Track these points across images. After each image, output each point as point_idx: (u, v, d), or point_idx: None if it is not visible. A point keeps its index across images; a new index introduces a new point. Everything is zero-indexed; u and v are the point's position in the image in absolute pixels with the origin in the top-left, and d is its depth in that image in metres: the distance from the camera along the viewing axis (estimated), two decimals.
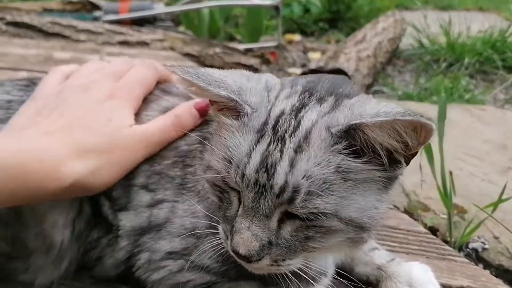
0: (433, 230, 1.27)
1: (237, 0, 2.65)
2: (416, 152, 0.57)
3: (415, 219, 1.29)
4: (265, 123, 0.58)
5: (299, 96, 0.61)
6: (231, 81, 0.61)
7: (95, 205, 0.78)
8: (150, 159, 0.77)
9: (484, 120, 2.15)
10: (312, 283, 0.71)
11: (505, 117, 2.26)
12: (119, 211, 0.78)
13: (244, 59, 2.52)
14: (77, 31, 2.53)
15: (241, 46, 2.75)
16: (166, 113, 0.78)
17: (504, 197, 1.17)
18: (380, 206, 0.59)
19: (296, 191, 0.54)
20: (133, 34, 2.51)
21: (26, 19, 2.61)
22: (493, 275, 1.17)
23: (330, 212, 0.55)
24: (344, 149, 0.55)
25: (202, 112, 0.77)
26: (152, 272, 0.75)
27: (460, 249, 1.21)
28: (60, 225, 0.74)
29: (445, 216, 1.26)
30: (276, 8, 2.52)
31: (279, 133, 0.56)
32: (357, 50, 2.68)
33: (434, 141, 1.17)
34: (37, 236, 0.74)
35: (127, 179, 0.77)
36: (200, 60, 2.43)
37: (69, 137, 0.69)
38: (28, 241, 0.74)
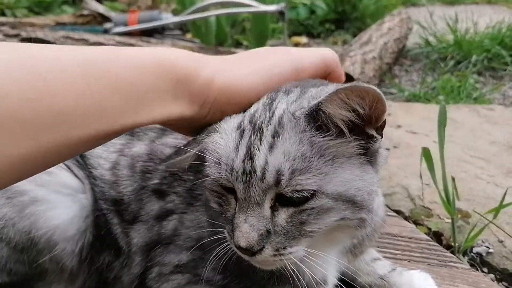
0: (438, 235, 1.29)
1: (242, 7, 2.68)
2: (383, 123, 0.61)
3: (420, 224, 1.32)
4: (242, 121, 0.63)
5: (268, 95, 0.65)
6: None
7: (100, 230, 0.82)
8: None
9: (492, 120, 2.16)
10: None
11: None
12: (131, 224, 0.82)
13: None
14: (89, 44, 2.60)
15: None
16: None
17: (509, 199, 1.20)
18: (366, 177, 0.61)
19: (278, 171, 0.57)
20: (143, 45, 2.57)
21: (40, 34, 2.69)
22: (497, 279, 1.20)
23: (315, 188, 0.58)
24: (314, 129, 0.59)
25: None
26: (162, 284, 0.80)
27: (464, 253, 1.24)
28: (69, 252, 0.79)
29: (449, 221, 1.28)
30: (281, 13, 2.55)
31: (257, 125, 0.61)
32: (362, 53, 2.69)
33: (434, 146, 1.21)
34: (51, 260, 0.79)
35: (143, 179, 0.82)
36: None
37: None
38: (44, 265, 0.79)
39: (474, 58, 3.02)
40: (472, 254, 1.23)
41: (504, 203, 1.17)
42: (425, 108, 2.33)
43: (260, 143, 0.59)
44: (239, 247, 0.60)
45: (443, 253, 1.00)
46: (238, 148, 0.60)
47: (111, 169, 0.85)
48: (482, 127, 2.04)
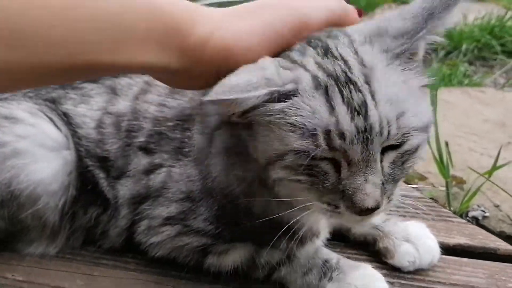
0: None
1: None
2: None
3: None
4: (317, 78, 0.55)
5: (312, 46, 0.59)
6: (247, 79, 0.54)
7: (86, 185, 0.81)
8: (154, 119, 0.80)
9: (484, 101, 2.16)
10: (304, 243, 0.73)
11: (505, 98, 2.26)
12: (117, 179, 0.81)
13: None
14: None
15: None
16: None
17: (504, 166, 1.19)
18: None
19: (388, 120, 0.54)
20: None
21: None
22: None
23: (418, 125, 0.56)
24: (399, 63, 0.57)
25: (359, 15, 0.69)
26: (151, 236, 0.78)
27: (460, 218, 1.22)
28: (52, 207, 0.77)
29: (443, 189, 1.27)
30: None
31: (340, 77, 0.55)
32: None
33: None
34: (33, 216, 0.77)
35: (128, 137, 0.80)
36: None
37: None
38: (26, 220, 0.78)
39: (464, 47, 3.03)
40: (468, 218, 1.21)
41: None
42: None
43: (362, 96, 0.54)
44: (361, 211, 0.56)
45: (438, 209, 0.98)
46: (335, 109, 0.53)
47: (96, 128, 0.83)
48: (474, 107, 2.05)
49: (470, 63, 3.06)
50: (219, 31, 0.55)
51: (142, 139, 0.79)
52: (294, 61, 0.58)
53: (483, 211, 1.21)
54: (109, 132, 0.82)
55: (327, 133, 0.53)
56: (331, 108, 0.54)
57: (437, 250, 0.80)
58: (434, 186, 1.32)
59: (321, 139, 0.54)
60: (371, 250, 0.84)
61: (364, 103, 0.53)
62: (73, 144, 0.82)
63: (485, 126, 1.86)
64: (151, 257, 0.79)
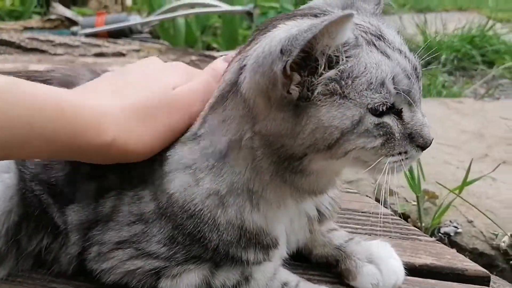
0: (404, 217, 1.25)
1: (208, 7, 2.66)
2: None
3: (385, 208, 1.28)
4: (362, 35, 0.60)
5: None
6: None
7: (33, 211, 0.76)
8: None
9: (461, 112, 2.16)
10: (262, 260, 0.70)
11: (483, 108, 2.27)
12: (66, 205, 0.76)
13: None
14: (54, 46, 2.55)
15: (218, 54, 2.75)
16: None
17: (478, 181, 1.17)
18: None
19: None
20: (109, 46, 2.52)
21: (5, 36, 2.63)
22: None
23: None
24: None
25: None
26: (102, 263, 0.74)
27: (432, 234, 1.19)
28: None
29: (416, 203, 1.24)
30: (249, 14, 2.53)
31: (373, 32, 0.61)
32: None
33: None
34: None
35: (75, 164, 0.76)
36: None
37: (119, 95, 0.67)
38: None
39: (443, 57, 3.04)
40: (440, 234, 1.19)
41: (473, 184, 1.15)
42: None
43: (397, 42, 0.61)
44: (429, 143, 0.62)
45: (406, 227, 0.95)
46: (390, 56, 0.59)
47: None
48: (452, 118, 2.04)
49: (450, 74, 3.07)
50: (122, 137, 0.63)
51: (88, 167, 0.75)
52: None
53: (456, 227, 1.18)
54: (55, 160, 0.78)
55: (393, 79, 0.58)
56: (388, 57, 0.58)
57: (401, 271, 0.77)
58: (406, 201, 1.29)
59: (390, 86, 0.57)
60: (334, 272, 0.80)
61: (399, 49, 0.60)
62: (14, 166, 0.77)
63: (462, 137, 1.84)
64: (103, 283, 0.74)
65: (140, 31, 2.95)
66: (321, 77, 0.57)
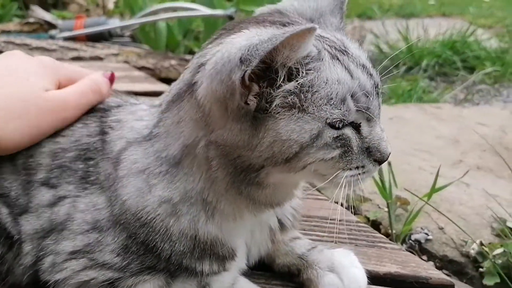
0: (376, 224, 1.24)
1: (189, 11, 2.64)
2: None
3: (358, 214, 1.27)
4: (327, 49, 0.59)
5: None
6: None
7: None
8: (51, 153, 0.74)
9: (439, 117, 2.16)
10: (217, 271, 0.68)
11: (461, 114, 2.28)
12: (20, 215, 0.74)
13: None
14: (31, 49, 2.50)
15: None
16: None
17: (449, 186, 1.16)
18: None
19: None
20: (87, 50, 2.48)
21: None
22: (437, 267, 1.15)
23: None
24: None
25: (111, 80, 0.81)
26: (56, 273, 0.72)
27: (403, 241, 1.18)
28: None
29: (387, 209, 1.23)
30: (230, 18, 2.52)
31: (338, 47, 0.60)
32: None
33: None
34: None
35: (27, 175, 0.73)
36: (156, 73, 2.40)
37: None
38: None
39: (424, 63, 3.06)
40: (410, 241, 1.18)
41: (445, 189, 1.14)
42: None
43: (362, 58, 0.61)
44: (386, 157, 0.62)
45: (372, 234, 0.94)
46: (353, 73, 0.58)
47: None
48: (429, 124, 2.04)
49: (431, 79, 3.09)
50: None
51: (42, 175, 0.73)
52: None
53: (427, 233, 1.18)
54: (6, 169, 0.76)
55: (353, 95, 0.57)
56: (350, 73, 0.58)
57: (364, 280, 0.75)
58: (379, 208, 1.29)
59: (350, 103, 0.57)
60: (297, 281, 0.79)
61: (363, 65, 0.59)
62: None
63: (438, 143, 1.85)
64: None
65: (120, 34, 2.92)
66: (279, 89, 0.56)
